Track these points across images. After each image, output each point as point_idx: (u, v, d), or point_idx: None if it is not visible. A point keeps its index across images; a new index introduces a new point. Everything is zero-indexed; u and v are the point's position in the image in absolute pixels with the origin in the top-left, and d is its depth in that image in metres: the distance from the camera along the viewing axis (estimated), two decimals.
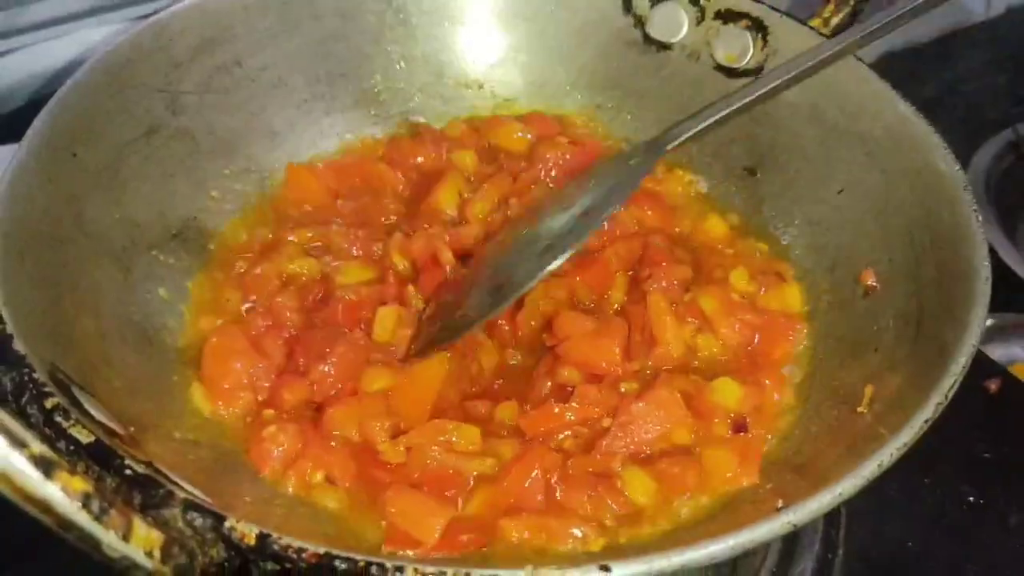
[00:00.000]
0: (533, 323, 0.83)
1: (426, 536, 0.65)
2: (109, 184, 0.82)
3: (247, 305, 0.84)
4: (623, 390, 0.77)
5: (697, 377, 0.80)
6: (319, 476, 0.71)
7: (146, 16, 0.90)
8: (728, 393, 0.77)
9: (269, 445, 0.72)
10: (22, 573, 0.86)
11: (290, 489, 0.71)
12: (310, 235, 0.89)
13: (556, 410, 0.75)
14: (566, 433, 0.75)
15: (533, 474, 0.70)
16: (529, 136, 1.00)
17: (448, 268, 0.85)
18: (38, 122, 0.76)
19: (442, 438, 0.72)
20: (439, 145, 0.99)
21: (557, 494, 0.70)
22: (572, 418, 0.75)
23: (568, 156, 0.96)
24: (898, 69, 1.69)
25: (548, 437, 0.75)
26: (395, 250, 0.88)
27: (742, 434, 0.76)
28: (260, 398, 0.77)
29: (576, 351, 0.79)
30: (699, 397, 0.77)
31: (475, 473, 0.71)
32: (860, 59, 0.89)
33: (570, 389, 0.77)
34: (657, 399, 0.75)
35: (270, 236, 0.91)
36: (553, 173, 0.96)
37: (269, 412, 0.76)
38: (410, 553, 0.65)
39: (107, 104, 0.83)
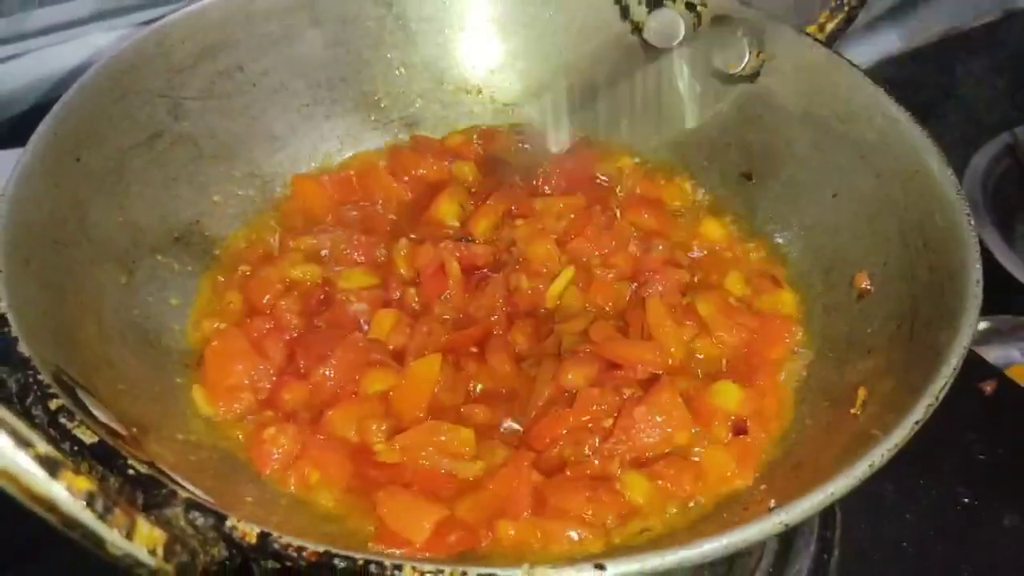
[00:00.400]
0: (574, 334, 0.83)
1: (416, 536, 0.66)
2: (113, 188, 0.83)
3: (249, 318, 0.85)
4: (626, 395, 0.78)
5: (697, 380, 0.80)
6: (318, 476, 0.72)
7: (150, 22, 0.91)
8: (729, 396, 0.78)
9: (269, 446, 0.73)
10: (24, 573, 0.87)
11: (290, 489, 0.72)
12: (313, 242, 0.91)
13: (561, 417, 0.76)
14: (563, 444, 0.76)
15: (519, 480, 0.70)
16: (528, 147, 1.01)
17: (452, 281, 0.85)
18: (43, 127, 0.77)
19: (436, 439, 0.73)
20: (440, 157, 1.00)
21: (552, 498, 0.70)
22: (579, 421, 0.76)
23: (565, 165, 0.97)
24: (896, 73, 1.70)
25: (552, 445, 0.75)
26: (401, 255, 0.89)
27: (742, 437, 0.77)
28: (260, 399, 0.78)
29: (617, 349, 0.80)
30: (699, 400, 0.78)
31: (467, 476, 0.72)
32: (854, 64, 0.90)
33: (568, 394, 0.78)
34: (659, 403, 0.75)
35: (273, 241, 0.92)
36: (552, 182, 0.97)
37: (269, 413, 0.76)
38: (398, 552, 0.65)
39: (111, 109, 0.84)
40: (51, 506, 0.43)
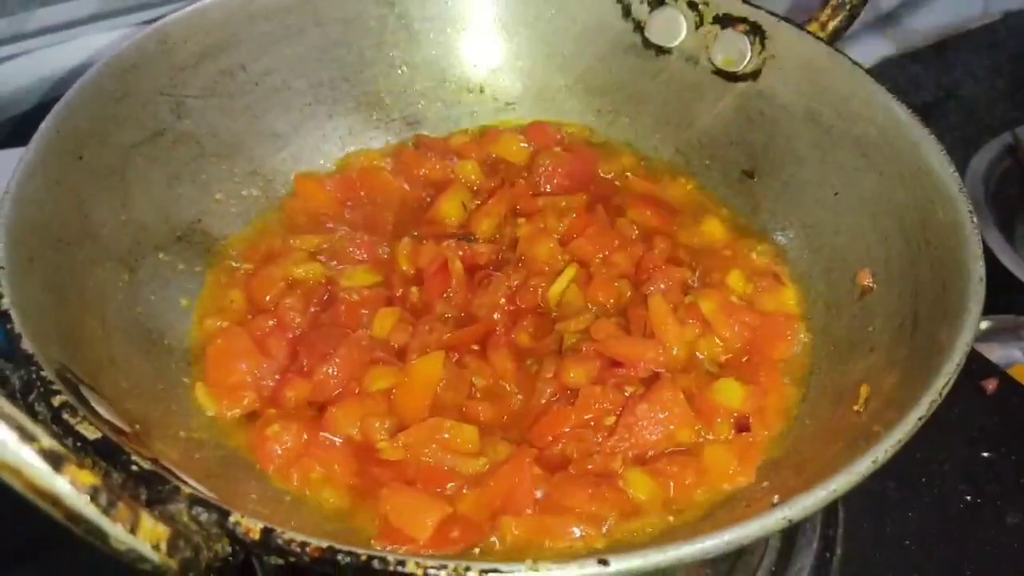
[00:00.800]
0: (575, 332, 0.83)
1: (419, 533, 0.66)
2: (115, 187, 0.83)
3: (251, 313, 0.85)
4: (628, 393, 0.78)
5: (699, 378, 0.81)
6: (320, 473, 0.72)
7: (152, 21, 0.91)
8: (731, 393, 0.78)
9: (272, 443, 0.73)
10: (23, 573, 0.87)
11: (293, 487, 0.72)
12: (316, 241, 0.91)
13: (563, 415, 0.76)
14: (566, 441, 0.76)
15: (521, 476, 0.70)
16: (530, 147, 1.01)
17: (455, 280, 0.86)
18: (44, 126, 0.77)
19: (440, 436, 0.73)
20: (443, 156, 1.00)
21: (555, 494, 0.71)
22: (581, 418, 0.76)
23: (566, 164, 0.98)
24: (897, 73, 1.71)
25: (555, 442, 0.75)
26: (404, 254, 0.89)
27: (744, 434, 0.77)
28: (263, 397, 0.78)
29: (619, 347, 0.80)
30: (701, 397, 0.78)
31: (470, 472, 0.72)
32: (856, 62, 0.90)
33: (570, 392, 0.78)
34: (661, 400, 0.75)
35: (277, 242, 0.92)
36: (555, 181, 0.97)
37: (272, 411, 0.76)
38: (401, 549, 0.65)
39: (113, 108, 0.84)
40: (55, 500, 0.43)
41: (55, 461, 0.42)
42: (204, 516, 0.52)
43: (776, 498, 0.59)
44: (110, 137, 0.83)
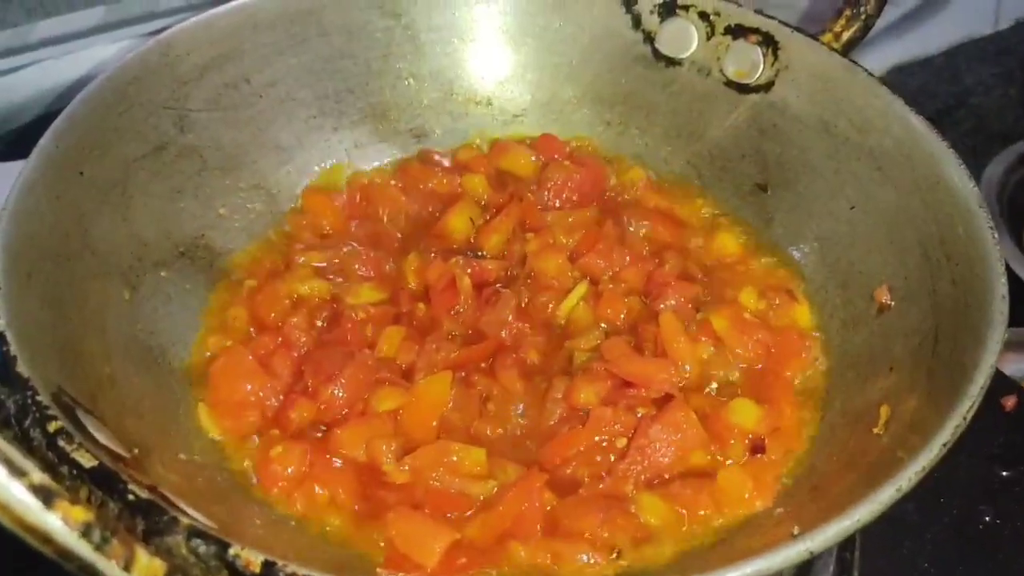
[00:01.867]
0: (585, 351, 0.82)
1: (426, 559, 0.65)
2: (116, 201, 0.81)
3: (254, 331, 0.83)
4: (640, 414, 0.76)
5: (713, 398, 0.79)
6: (325, 497, 0.71)
7: (155, 33, 0.90)
8: (746, 414, 0.77)
9: (277, 466, 0.71)
10: None
11: (298, 510, 0.71)
12: (321, 257, 0.89)
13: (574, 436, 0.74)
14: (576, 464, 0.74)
15: (530, 499, 0.69)
16: (538, 160, 1.00)
17: (463, 297, 0.84)
18: (45, 139, 0.76)
19: (447, 459, 0.72)
20: (450, 170, 0.99)
21: (565, 519, 0.69)
22: (591, 440, 0.74)
23: (575, 178, 0.96)
24: (908, 82, 1.69)
25: (565, 464, 0.74)
26: (411, 270, 0.88)
27: (759, 456, 0.75)
28: (267, 418, 0.76)
29: (630, 367, 0.78)
30: (715, 418, 0.77)
31: (479, 496, 0.71)
32: (870, 72, 0.88)
33: (583, 413, 0.76)
34: (674, 421, 0.74)
35: (281, 258, 0.90)
36: (564, 195, 0.96)
37: (276, 432, 0.75)
38: None
39: (115, 121, 0.83)
40: (45, 537, 0.41)
41: (46, 497, 0.40)
42: (203, 548, 0.50)
43: (796, 528, 0.57)
44: (111, 151, 0.82)
